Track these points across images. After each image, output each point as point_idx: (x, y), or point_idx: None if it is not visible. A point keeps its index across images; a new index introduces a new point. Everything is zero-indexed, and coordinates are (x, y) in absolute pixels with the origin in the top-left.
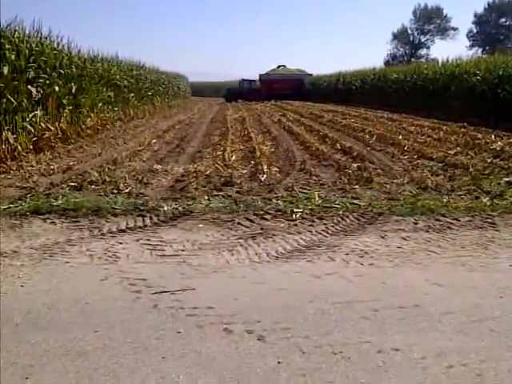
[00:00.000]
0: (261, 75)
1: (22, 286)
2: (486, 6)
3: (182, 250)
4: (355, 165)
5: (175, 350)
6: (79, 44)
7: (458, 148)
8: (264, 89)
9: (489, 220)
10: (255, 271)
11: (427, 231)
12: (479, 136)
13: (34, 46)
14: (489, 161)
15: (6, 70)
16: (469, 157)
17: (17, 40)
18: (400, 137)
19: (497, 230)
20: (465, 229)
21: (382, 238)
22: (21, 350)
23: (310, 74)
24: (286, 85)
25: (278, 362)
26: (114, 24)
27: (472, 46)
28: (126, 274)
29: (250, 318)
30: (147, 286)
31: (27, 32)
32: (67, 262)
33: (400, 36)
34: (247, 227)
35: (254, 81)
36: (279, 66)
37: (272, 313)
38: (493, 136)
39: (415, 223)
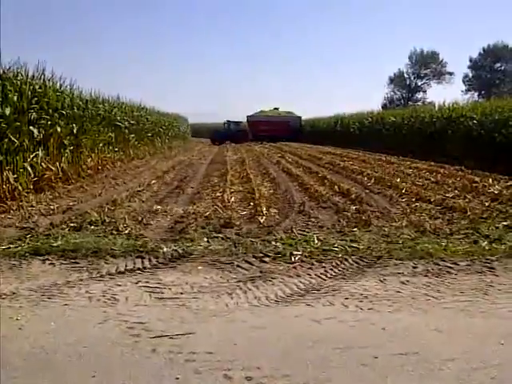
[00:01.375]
0: (248, 116)
1: (20, 328)
2: (482, 51)
3: (181, 293)
4: (354, 207)
5: None
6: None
7: (456, 191)
8: (251, 130)
9: (487, 264)
10: (254, 315)
11: (426, 275)
12: (477, 179)
13: (37, 87)
14: (487, 204)
15: (8, 111)
16: (467, 200)
17: (19, 82)
18: (398, 179)
19: (496, 275)
20: (464, 273)
21: (381, 281)
22: None
23: (299, 117)
24: (272, 126)
25: None
26: (114, 62)
27: (468, 91)
28: (125, 317)
29: (250, 364)
30: (146, 329)
31: (31, 73)
32: (66, 305)
33: (397, 80)
34: (246, 270)
35: (240, 122)
36: (275, 109)
37: (271, 359)
38: (490, 179)
39: (414, 267)
